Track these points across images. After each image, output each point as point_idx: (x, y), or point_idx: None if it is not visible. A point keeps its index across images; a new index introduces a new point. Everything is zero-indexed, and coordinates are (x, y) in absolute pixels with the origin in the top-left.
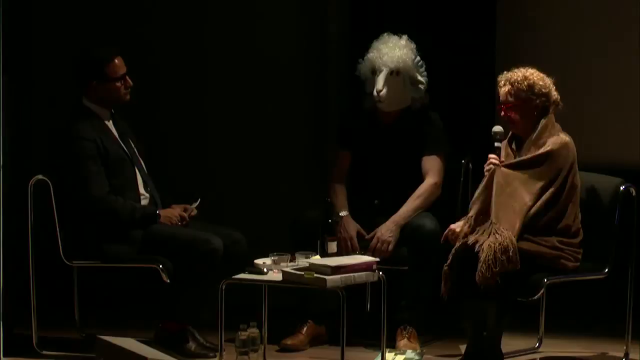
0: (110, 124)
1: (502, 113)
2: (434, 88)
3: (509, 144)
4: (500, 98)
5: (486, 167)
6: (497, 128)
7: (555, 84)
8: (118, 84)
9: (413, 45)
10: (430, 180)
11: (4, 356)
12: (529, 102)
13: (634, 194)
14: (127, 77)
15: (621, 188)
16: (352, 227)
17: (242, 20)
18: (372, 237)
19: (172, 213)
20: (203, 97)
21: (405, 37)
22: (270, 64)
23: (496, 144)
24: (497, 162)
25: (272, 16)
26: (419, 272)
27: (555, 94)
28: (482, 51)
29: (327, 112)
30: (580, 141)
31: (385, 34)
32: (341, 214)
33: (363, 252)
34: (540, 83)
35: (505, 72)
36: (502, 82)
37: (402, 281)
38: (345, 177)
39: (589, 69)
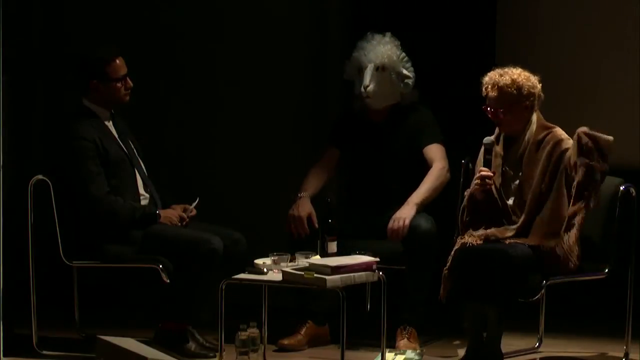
0: (110, 124)
1: (491, 116)
2: (434, 88)
3: (496, 142)
4: (488, 101)
5: (476, 183)
6: (489, 139)
7: (540, 81)
8: (118, 84)
9: (397, 42)
10: (439, 164)
11: (4, 356)
12: (519, 104)
13: (634, 194)
14: (127, 78)
15: (621, 188)
16: (305, 209)
17: (242, 21)
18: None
19: (172, 213)
20: (203, 98)
21: (388, 34)
22: (271, 66)
23: (487, 157)
24: (489, 178)
25: (272, 17)
26: (417, 272)
27: (539, 89)
28: (482, 51)
29: (328, 113)
30: None
31: (369, 32)
32: (300, 194)
33: (363, 252)
34: (528, 84)
35: (490, 74)
36: (490, 86)
37: (401, 281)
38: (327, 170)
39: (589, 69)
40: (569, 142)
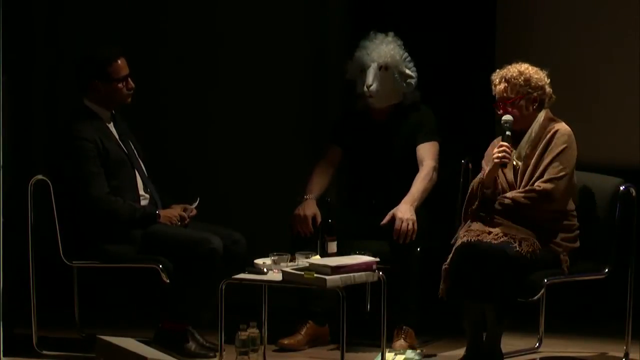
0: (110, 124)
1: (501, 111)
2: (434, 87)
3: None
4: (497, 96)
5: (496, 154)
6: (508, 117)
7: (548, 76)
8: (120, 85)
9: (400, 42)
10: (431, 163)
11: (4, 356)
12: (527, 96)
13: (634, 194)
14: (129, 79)
15: (621, 188)
16: (311, 209)
17: (242, 21)
18: (387, 223)
19: (172, 213)
20: (203, 98)
21: (391, 33)
22: (271, 65)
23: (507, 133)
24: (508, 151)
25: (272, 17)
26: (404, 271)
27: (548, 87)
28: (482, 50)
29: (328, 113)
30: (581, 141)
31: (372, 32)
32: (305, 197)
33: (363, 252)
34: (536, 76)
35: (498, 70)
36: (497, 79)
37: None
38: (331, 169)
39: (589, 69)
40: (563, 132)
